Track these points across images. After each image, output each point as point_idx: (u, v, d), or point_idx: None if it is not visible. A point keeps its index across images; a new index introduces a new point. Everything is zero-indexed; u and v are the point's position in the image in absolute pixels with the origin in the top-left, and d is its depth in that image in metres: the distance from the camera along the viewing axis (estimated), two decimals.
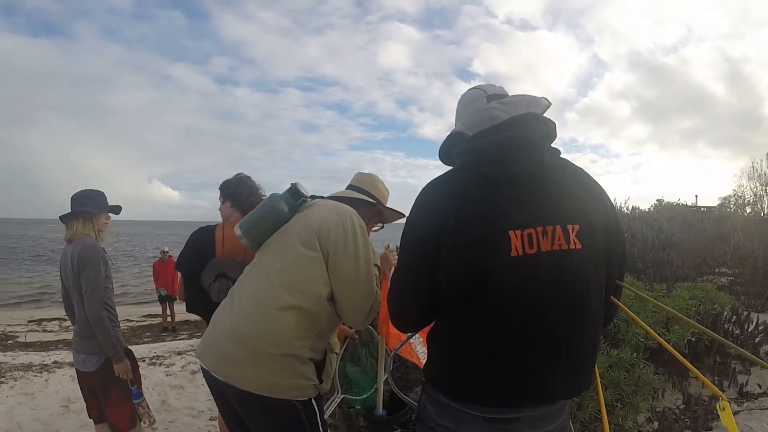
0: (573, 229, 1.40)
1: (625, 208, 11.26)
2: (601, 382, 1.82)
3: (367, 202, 2.42)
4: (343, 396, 3.13)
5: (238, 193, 3.08)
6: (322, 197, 2.33)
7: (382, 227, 2.64)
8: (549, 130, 1.50)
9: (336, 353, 2.29)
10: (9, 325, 13.34)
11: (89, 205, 3.24)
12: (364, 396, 3.22)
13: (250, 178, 3.16)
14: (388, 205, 2.57)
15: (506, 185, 1.41)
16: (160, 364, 6.88)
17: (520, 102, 1.53)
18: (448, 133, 1.63)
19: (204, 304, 2.88)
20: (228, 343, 1.96)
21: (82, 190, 3.31)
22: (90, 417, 3.40)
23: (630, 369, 3.56)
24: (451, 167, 1.59)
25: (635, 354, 3.69)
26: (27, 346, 10.29)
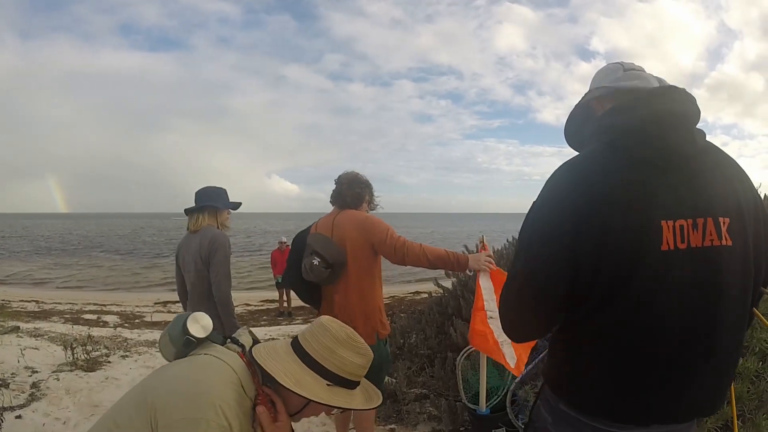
0: (724, 223, 1.24)
1: None
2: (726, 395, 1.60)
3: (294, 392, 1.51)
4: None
5: (334, 191, 3.35)
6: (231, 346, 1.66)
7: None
8: (696, 106, 1.32)
9: None
10: (137, 306, 14.52)
11: (214, 201, 3.62)
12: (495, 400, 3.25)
13: (348, 174, 3.37)
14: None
15: (657, 168, 1.24)
16: None
17: (660, 78, 1.41)
18: (576, 105, 1.51)
19: (295, 281, 3.30)
20: None
21: (205, 187, 3.70)
22: None
23: (754, 381, 3.24)
24: (576, 151, 1.42)
25: (761, 364, 3.31)
26: (152, 325, 11.20)
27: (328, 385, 1.55)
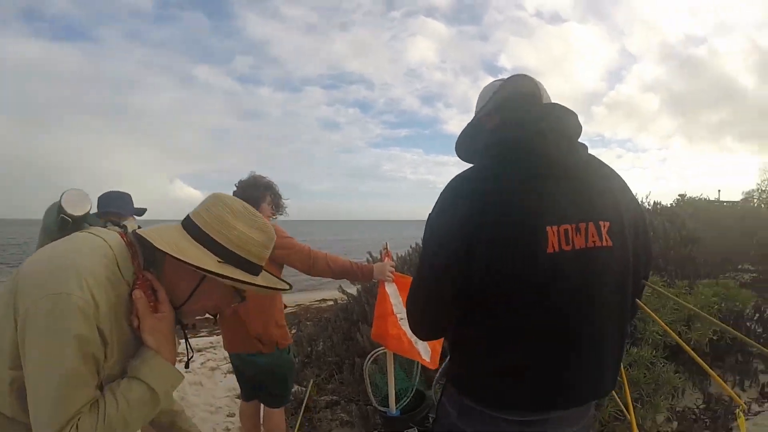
0: (604, 226, 1.35)
1: (646, 204, 11.10)
2: (622, 380, 1.78)
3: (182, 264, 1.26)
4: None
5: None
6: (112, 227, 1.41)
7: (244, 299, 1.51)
8: (577, 121, 1.47)
9: None
10: None
11: (117, 206, 3.38)
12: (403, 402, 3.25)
13: (246, 179, 3.24)
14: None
15: (542, 178, 1.34)
16: (180, 361, 6.91)
17: (545, 95, 1.51)
18: (467, 125, 1.58)
19: None
20: None
21: (109, 192, 3.42)
22: None
23: (650, 367, 3.50)
24: (469, 164, 1.50)
25: (654, 352, 3.62)
26: None
27: (219, 262, 1.30)
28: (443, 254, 1.35)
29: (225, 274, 1.28)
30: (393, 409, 3.10)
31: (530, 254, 1.27)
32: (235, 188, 3.23)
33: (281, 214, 3.40)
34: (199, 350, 7.74)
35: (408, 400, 3.23)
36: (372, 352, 3.39)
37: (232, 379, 5.27)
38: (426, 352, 2.85)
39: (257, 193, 3.16)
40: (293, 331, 3.84)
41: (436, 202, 1.42)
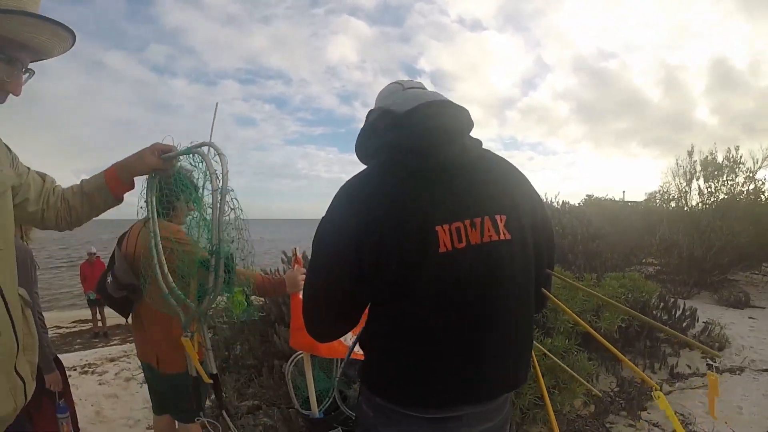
0: (501, 220, 1.36)
1: (555, 203, 11.47)
2: (535, 370, 1.81)
3: None
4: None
5: None
6: None
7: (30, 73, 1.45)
8: (468, 117, 1.47)
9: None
10: None
11: None
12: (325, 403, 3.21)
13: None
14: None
15: (431, 178, 1.35)
16: (93, 372, 6.57)
17: (436, 94, 1.50)
18: (362, 127, 1.57)
19: (105, 288, 2.81)
20: None
21: None
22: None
23: (564, 356, 3.62)
24: (366, 165, 1.50)
25: (567, 341, 3.76)
26: None
27: None
28: (333, 260, 1.37)
29: None
30: (315, 411, 3.08)
31: (421, 255, 1.28)
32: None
33: None
34: (112, 359, 7.39)
35: (330, 400, 3.22)
36: (293, 356, 3.35)
37: None
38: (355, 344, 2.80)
39: (169, 192, 2.73)
40: (210, 335, 3.71)
41: (328, 208, 1.42)
